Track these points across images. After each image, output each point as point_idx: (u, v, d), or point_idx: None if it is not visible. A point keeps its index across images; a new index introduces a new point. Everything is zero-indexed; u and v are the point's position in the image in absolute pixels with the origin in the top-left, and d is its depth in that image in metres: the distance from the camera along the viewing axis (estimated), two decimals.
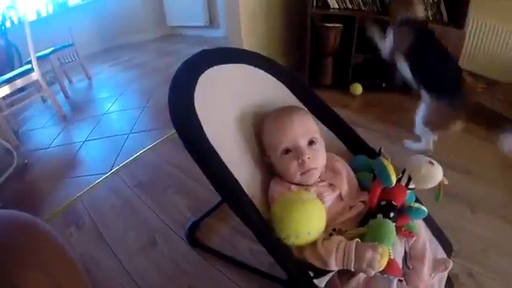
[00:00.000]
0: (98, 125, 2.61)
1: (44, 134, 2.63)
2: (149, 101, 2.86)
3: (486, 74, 2.35)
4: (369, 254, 0.66)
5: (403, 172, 0.85)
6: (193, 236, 1.36)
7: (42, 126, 2.79)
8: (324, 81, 2.61)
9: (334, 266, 0.69)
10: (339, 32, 2.40)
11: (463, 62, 2.40)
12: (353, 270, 0.68)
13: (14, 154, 2.14)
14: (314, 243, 0.74)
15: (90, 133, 2.48)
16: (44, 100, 3.25)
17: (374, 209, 0.79)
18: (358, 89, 2.48)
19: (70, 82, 3.76)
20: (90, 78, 3.75)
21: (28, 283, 0.40)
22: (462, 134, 1.87)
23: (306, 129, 0.88)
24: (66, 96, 3.31)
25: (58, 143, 2.43)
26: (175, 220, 1.47)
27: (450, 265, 0.86)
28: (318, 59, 2.56)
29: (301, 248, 0.75)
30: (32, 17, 4.19)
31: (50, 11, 4.50)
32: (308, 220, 0.74)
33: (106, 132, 2.47)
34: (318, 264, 0.71)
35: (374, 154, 0.96)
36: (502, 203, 1.39)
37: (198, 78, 0.88)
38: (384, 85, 2.53)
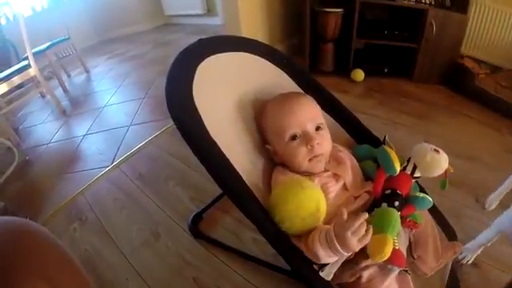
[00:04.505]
0: (98, 118, 2.59)
1: (44, 129, 2.62)
2: (148, 92, 2.84)
3: (489, 60, 2.30)
4: (348, 226, 0.66)
5: (408, 160, 0.83)
6: (196, 228, 1.35)
7: (42, 121, 2.77)
8: (325, 67, 2.57)
9: (324, 254, 0.68)
10: (339, 17, 2.35)
11: (465, 48, 2.36)
12: (342, 251, 0.67)
13: (15, 151, 2.13)
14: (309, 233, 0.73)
15: (90, 126, 2.46)
16: (43, 95, 3.23)
17: (379, 198, 0.78)
18: (359, 75, 2.44)
19: (68, 76, 3.73)
20: (87, 71, 3.73)
21: None
22: (466, 121, 1.85)
23: (313, 114, 0.86)
24: (65, 90, 3.29)
25: (58, 138, 2.41)
26: (178, 212, 1.47)
27: (460, 248, 0.85)
28: (319, 45, 2.52)
29: (299, 238, 0.74)
30: (27, 12, 4.15)
31: (45, 6, 4.46)
32: (303, 204, 0.72)
33: (106, 125, 2.45)
34: (310, 257, 0.71)
35: (378, 143, 0.94)
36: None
37: (195, 69, 0.86)
38: (386, 70, 2.50)
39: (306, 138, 0.82)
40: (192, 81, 0.83)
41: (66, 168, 2.01)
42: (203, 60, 0.89)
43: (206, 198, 1.47)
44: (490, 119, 1.80)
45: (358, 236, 0.66)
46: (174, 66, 0.84)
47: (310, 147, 0.81)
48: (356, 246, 0.66)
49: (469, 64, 2.23)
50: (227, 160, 0.76)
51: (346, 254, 0.69)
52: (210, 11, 4.71)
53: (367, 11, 2.48)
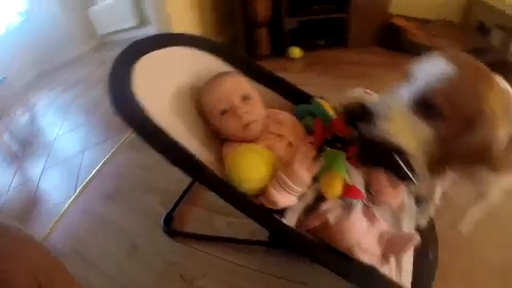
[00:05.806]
0: (51, 152, 2.50)
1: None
2: (96, 113, 2.78)
3: (418, 15, 2.49)
4: (293, 162, 0.75)
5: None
6: (170, 227, 1.37)
7: None
8: (262, 51, 2.64)
9: (280, 197, 0.75)
10: (268, 0, 2.42)
11: (394, 8, 2.52)
12: (293, 185, 0.74)
13: None
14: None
15: (46, 162, 2.37)
16: None
17: (322, 145, 0.84)
18: (296, 52, 2.54)
19: (11, 116, 3.55)
20: (31, 109, 3.58)
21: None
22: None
23: (236, 87, 0.92)
24: (10, 133, 3.14)
25: (16, 183, 2.27)
26: (151, 218, 1.46)
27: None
28: (252, 31, 2.58)
29: (257, 195, 0.80)
30: None
31: None
32: (255, 166, 0.79)
33: (61, 156, 2.38)
34: (270, 205, 0.77)
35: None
36: None
37: (133, 67, 0.89)
38: (323, 43, 2.61)
39: (233, 110, 0.89)
40: (131, 79, 0.86)
41: (32, 209, 1.92)
42: (139, 58, 0.92)
43: (173, 199, 1.48)
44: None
45: (304, 166, 0.74)
46: (112, 69, 0.88)
47: (238, 117, 0.88)
48: (306, 176, 0.74)
49: (400, 22, 2.37)
50: (174, 141, 0.80)
51: (299, 189, 0.75)
52: (142, 22, 4.63)
53: None
